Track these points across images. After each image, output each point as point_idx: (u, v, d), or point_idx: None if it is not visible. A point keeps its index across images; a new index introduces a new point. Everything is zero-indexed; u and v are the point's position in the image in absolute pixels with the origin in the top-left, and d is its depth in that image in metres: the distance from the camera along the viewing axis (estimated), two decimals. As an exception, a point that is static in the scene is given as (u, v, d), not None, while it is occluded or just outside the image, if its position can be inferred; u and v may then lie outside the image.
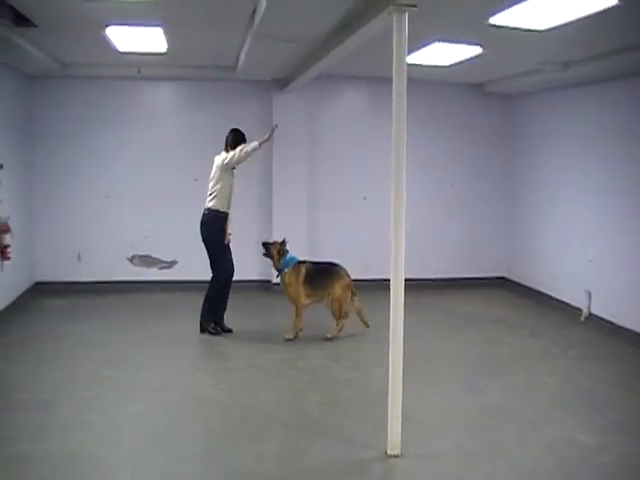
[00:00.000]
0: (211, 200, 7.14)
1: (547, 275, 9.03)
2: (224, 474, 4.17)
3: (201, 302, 7.29)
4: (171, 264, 9.58)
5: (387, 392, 4.42)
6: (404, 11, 4.20)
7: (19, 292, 8.44)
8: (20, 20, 5.94)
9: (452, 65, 7.72)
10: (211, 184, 7.17)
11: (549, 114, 9.01)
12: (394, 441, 4.36)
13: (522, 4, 4.81)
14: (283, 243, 7.25)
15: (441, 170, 10.02)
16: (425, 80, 8.96)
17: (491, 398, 5.52)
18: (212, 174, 7.18)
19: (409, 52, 4.55)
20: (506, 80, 8.91)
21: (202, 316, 7.27)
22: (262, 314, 8.36)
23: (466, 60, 7.32)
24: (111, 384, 5.65)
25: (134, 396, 5.40)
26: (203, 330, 7.23)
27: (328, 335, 7.15)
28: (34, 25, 6.11)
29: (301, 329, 7.16)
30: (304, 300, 7.13)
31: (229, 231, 7.26)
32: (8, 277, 7.79)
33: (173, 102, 9.71)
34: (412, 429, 4.60)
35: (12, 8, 5.69)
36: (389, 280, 4.39)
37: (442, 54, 7.17)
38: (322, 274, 7.24)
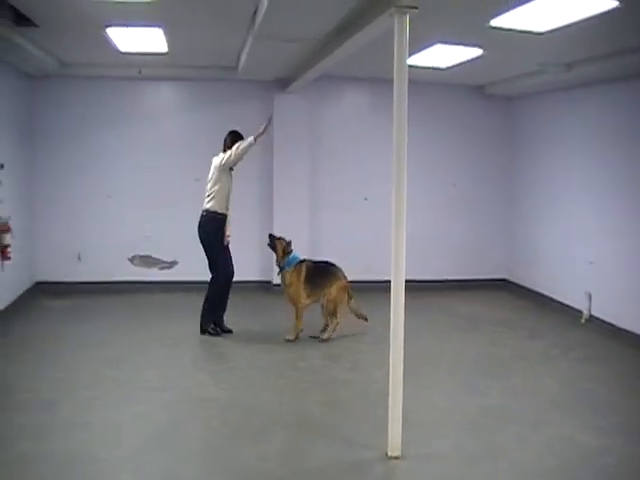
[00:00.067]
0: (209, 201, 7.14)
1: (548, 277, 9.03)
2: (225, 474, 4.17)
3: (201, 303, 7.29)
4: (172, 264, 9.58)
5: (387, 393, 4.42)
6: (405, 13, 4.20)
7: (20, 292, 8.44)
8: (21, 20, 5.95)
9: (453, 67, 7.72)
10: (209, 185, 7.17)
11: (550, 116, 9.01)
12: (395, 442, 4.36)
13: (523, 6, 4.82)
14: (289, 244, 7.24)
15: (442, 171, 10.03)
16: (426, 82, 8.97)
17: (492, 399, 5.52)
18: (210, 175, 7.18)
19: (410, 54, 4.55)
20: (507, 82, 8.92)
21: (202, 317, 7.27)
22: (262, 314, 8.36)
23: (467, 62, 7.32)
24: (112, 384, 5.65)
25: (135, 396, 5.40)
26: (203, 331, 7.23)
27: (323, 336, 7.14)
28: (35, 25, 6.12)
29: (302, 330, 7.16)
30: (304, 300, 7.13)
31: (228, 233, 7.24)
32: (9, 277, 7.79)
33: (174, 102, 9.72)
34: (412, 430, 4.60)
35: (13, 8, 5.70)
36: (390, 281, 4.39)
37: (443, 56, 7.17)
38: (321, 274, 7.24)
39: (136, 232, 9.43)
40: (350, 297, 7.26)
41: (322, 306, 7.22)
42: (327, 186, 9.75)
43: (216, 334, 7.20)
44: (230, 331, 7.30)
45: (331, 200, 9.73)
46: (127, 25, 6.17)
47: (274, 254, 7.35)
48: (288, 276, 7.17)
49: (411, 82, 4.30)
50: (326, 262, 7.39)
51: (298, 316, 7.13)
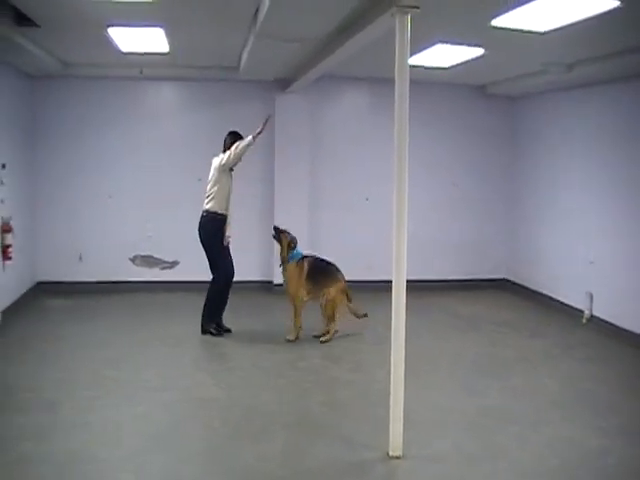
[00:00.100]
0: (209, 202, 7.13)
1: (549, 277, 9.03)
2: (225, 474, 4.17)
3: (202, 303, 7.29)
4: (173, 264, 9.59)
5: (388, 393, 4.42)
6: (407, 12, 4.20)
7: (21, 292, 8.44)
8: (22, 20, 5.95)
9: (454, 66, 7.72)
10: (209, 186, 7.16)
11: (551, 116, 9.01)
12: (396, 442, 4.36)
13: (524, 6, 4.81)
14: (293, 240, 7.25)
15: (444, 171, 10.02)
16: (427, 82, 8.96)
17: (492, 399, 5.52)
18: (210, 176, 7.18)
19: (411, 53, 4.54)
20: (508, 82, 8.92)
21: (203, 317, 7.27)
22: (263, 314, 8.35)
23: (468, 62, 7.31)
24: (112, 384, 5.65)
25: (135, 396, 5.40)
26: (205, 331, 7.23)
27: (322, 339, 7.13)
28: (36, 25, 6.12)
29: (301, 327, 7.15)
30: (303, 297, 7.12)
31: (228, 234, 7.23)
32: (10, 277, 7.80)
33: (175, 102, 9.72)
34: (413, 430, 4.60)
35: (14, 8, 5.69)
36: (391, 281, 4.39)
37: (444, 56, 7.17)
38: (322, 272, 7.23)
39: (137, 232, 9.44)
40: (349, 300, 7.24)
41: (321, 306, 7.21)
42: (328, 186, 9.74)
43: (217, 334, 7.20)
44: (229, 330, 7.30)
45: (332, 200, 9.73)
46: (128, 25, 6.17)
47: (278, 246, 7.33)
48: (290, 270, 7.17)
49: (412, 82, 4.30)
50: (328, 262, 7.38)
51: (297, 313, 7.13)
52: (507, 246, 10.17)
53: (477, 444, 4.65)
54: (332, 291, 7.11)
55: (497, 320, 8.26)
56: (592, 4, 4.72)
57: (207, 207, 7.14)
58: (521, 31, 5.58)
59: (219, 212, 7.13)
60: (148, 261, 9.54)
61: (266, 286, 9.56)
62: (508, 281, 10.14)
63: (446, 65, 7.72)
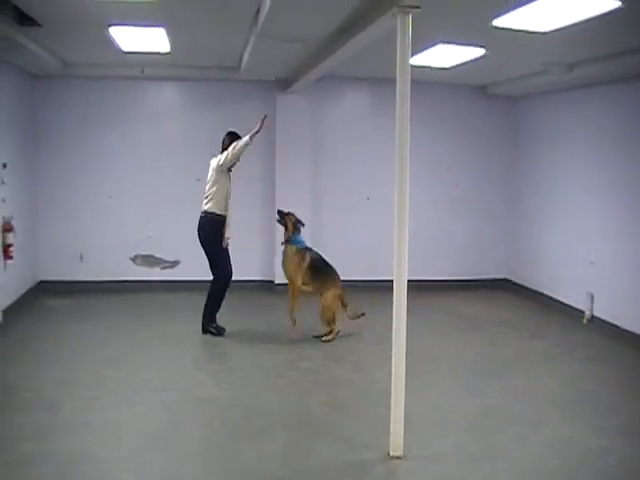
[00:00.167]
0: (207, 203, 7.13)
1: (550, 277, 9.02)
2: (225, 474, 4.17)
3: (203, 302, 7.29)
4: (174, 264, 9.59)
5: (389, 393, 4.42)
6: (408, 12, 4.20)
7: (22, 291, 8.44)
8: (24, 20, 5.95)
9: (455, 67, 7.71)
10: (207, 186, 7.17)
11: (552, 116, 9.00)
12: (396, 442, 4.36)
13: (525, 6, 4.81)
14: (299, 220, 7.30)
15: (445, 171, 10.02)
16: (428, 82, 8.95)
17: (492, 399, 5.52)
18: (208, 176, 7.18)
19: (412, 54, 4.54)
20: (509, 82, 8.91)
21: (204, 317, 7.27)
22: (264, 314, 8.35)
23: (469, 62, 7.31)
24: (112, 384, 5.65)
25: (135, 396, 5.40)
26: (205, 331, 7.23)
27: (324, 338, 7.12)
28: (38, 25, 6.12)
29: (294, 315, 7.16)
30: (300, 283, 7.13)
31: (227, 234, 7.23)
32: (11, 276, 7.80)
33: (176, 102, 9.72)
34: (414, 430, 4.60)
35: (16, 8, 5.70)
36: (392, 281, 4.39)
37: (445, 56, 7.17)
38: (322, 271, 7.22)
39: (138, 232, 9.44)
40: (345, 305, 7.19)
41: (319, 313, 7.19)
42: (329, 186, 9.74)
43: (218, 334, 7.20)
44: (223, 329, 7.28)
45: (333, 200, 9.73)
46: (130, 25, 6.17)
47: (284, 230, 7.36)
48: (291, 253, 7.18)
49: (413, 82, 4.30)
50: (328, 263, 7.37)
51: (293, 296, 7.14)
52: (508, 246, 10.17)
53: (477, 444, 4.65)
54: (329, 297, 7.08)
55: (498, 320, 8.25)
56: (593, 4, 4.71)
57: (206, 208, 7.14)
58: (522, 31, 5.57)
59: (218, 213, 7.13)
60: (149, 261, 9.55)
61: (267, 286, 9.56)
62: (509, 281, 10.14)
63: (447, 65, 7.72)
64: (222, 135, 7.28)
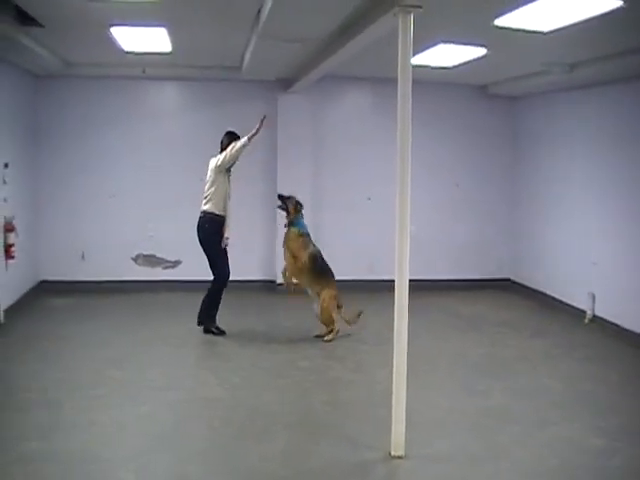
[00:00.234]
0: (206, 203, 7.14)
1: (551, 277, 9.02)
2: (228, 474, 4.17)
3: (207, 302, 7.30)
4: (175, 264, 9.60)
5: (390, 393, 4.42)
6: (409, 12, 4.20)
7: (24, 291, 8.46)
8: (26, 19, 5.96)
9: (456, 66, 7.71)
10: (206, 187, 7.18)
11: (553, 116, 9.00)
12: (398, 442, 4.36)
13: (527, 6, 4.81)
14: (299, 203, 7.29)
15: (446, 172, 10.02)
16: (429, 81, 8.95)
17: (494, 399, 5.52)
18: (207, 177, 7.18)
19: (414, 53, 4.54)
20: (510, 82, 8.91)
21: (204, 316, 7.26)
22: (265, 314, 8.36)
23: (471, 61, 7.31)
24: (115, 384, 5.66)
25: (138, 396, 5.41)
26: (207, 331, 7.24)
27: (326, 338, 7.11)
28: (39, 24, 6.12)
29: (293, 288, 7.20)
30: (300, 264, 7.09)
31: (226, 235, 7.24)
32: (12, 276, 7.80)
33: (177, 102, 9.73)
34: (415, 430, 4.60)
35: (17, 7, 5.70)
36: (393, 280, 4.39)
37: (447, 55, 7.16)
38: (322, 268, 7.19)
39: (139, 231, 9.45)
40: (339, 306, 7.17)
41: (316, 316, 7.19)
42: (330, 186, 9.75)
43: (219, 334, 7.20)
44: (223, 332, 7.30)
45: (334, 200, 9.73)
46: (131, 24, 6.18)
47: (285, 214, 7.36)
48: (294, 235, 7.16)
49: (414, 82, 4.30)
50: (326, 263, 7.33)
51: (290, 270, 7.15)
52: (509, 246, 10.16)
53: (479, 444, 4.66)
54: (325, 298, 7.06)
55: (499, 320, 8.25)
56: (595, 4, 4.71)
57: (205, 208, 7.15)
58: (524, 31, 5.57)
59: (217, 213, 7.13)
60: (150, 260, 9.56)
61: (268, 285, 9.56)
62: (510, 281, 10.14)
63: (448, 65, 7.72)
64: (222, 135, 7.28)
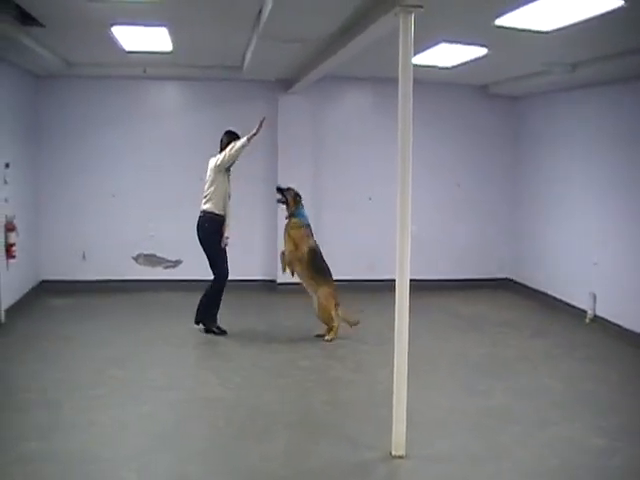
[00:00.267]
0: (206, 203, 7.15)
1: (552, 277, 9.02)
2: (229, 474, 4.17)
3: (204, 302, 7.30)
4: (176, 263, 9.60)
5: (391, 393, 4.42)
6: (410, 12, 4.19)
7: (24, 290, 8.46)
8: (26, 19, 5.96)
9: (457, 66, 7.71)
10: (206, 186, 7.18)
11: (554, 116, 9.00)
12: (399, 442, 4.36)
13: (528, 5, 4.81)
14: (298, 194, 7.29)
15: (447, 172, 10.01)
16: (430, 81, 8.94)
17: (495, 399, 5.51)
18: (207, 176, 7.19)
19: (415, 53, 4.54)
20: (511, 82, 8.91)
21: (201, 316, 7.26)
22: (266, 314, 8.36)
23: (472, 61, 7.31)
24: (116, 383, 5.66)
25: (139, 396, 5.41)
26: (207, 330, 7.24)
27: (327, 337, 7.10)
28: (40, 24, 6.12)
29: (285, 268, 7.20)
30: (305, 250, 7.07)
31: (226, 234, 7.24)
32: (13, 275, 7.81)
33: (178, 102, 9.73)
34: (416, 430, 4.59)
35: (18, 7, 5.70)
36: (394, 280, 4.39)
37: (448, 55, 7.16)
38: (319, 264, 7.15)
39: (140, 231, 9.45)
40: (336, 304, 7.14)
41: (316, 315, 7.18)
42: (331, 186, 9.74)
43: (220, 333, 7.21)
44: (224, 331, 7.30)
45: (335, 200, 9.72)
46: (132, 24, 6.18)
47: (285, 207, 7.36)
48: (297, 225, 7.16)
49: (415, 82, 4.30)
50: (324, 260, 7.30)
51: (288, 259, 7.12)
52: (510, 246, 10.16)
53: (479, 444, 4.66)
54: (321, 296, 7.05)
55: (500, 320, 8.25)
56: (597, 3, 4.71)
57: (204, 208, 7.16)
58: (525, 31, 5.57)
59: (216, 212, 7.14)
60: (151, 260, 9.56)
61: (269, 285, 9.56)
62: (511, 281, 10.13)
63: (449, 65, 7.72)
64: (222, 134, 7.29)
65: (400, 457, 4.34)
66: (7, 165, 7.64)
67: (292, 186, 7.41)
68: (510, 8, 4.96)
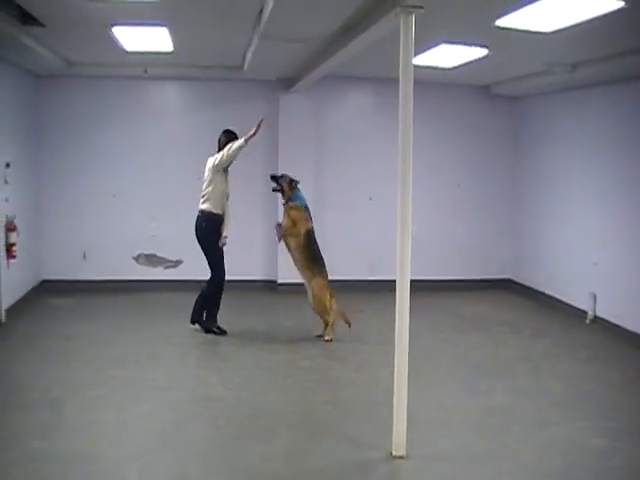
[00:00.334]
0: (204, 202, 7.15)
1: (552, 277, 9.02)
2: (230, 473, 4.18)
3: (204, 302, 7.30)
4: (176, 263, 9.60)
5: (392, 393, 4.42)
6: (411, 12, 4.20)
7: (25, 290, 8.46)
8: (27, 19, 5.97)
9: (458, 67, 7.71)
10: (204, 186, 7.19)
11: (554, 116, 9.00)
12: (399, 442, 4.36)
13: (529, 6, 4.81)
14: (293, 179, 7.26)
15: (447, 172, 10.01)
16: (431, 82, 8.94)
17: (495, 399, 5.52)
18: (205, 176, 7.19)
19: (415, 53, 4.55)
20: (512, 82, 8.91)
21: (197, 316, 7.27)
22: (266, 314, 8.36)
23: (472, 62, 7.31)
24: (117, 383, 5.66)
25: (140, 395, 5.41)
26: (208, 330, 7.24)
27: (326, 338, 7.10)
28: (41, 24, 6.13)
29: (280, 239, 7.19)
30: (303, 231, 7.05)
31: (225, 234, 7.24)
32: (14, 275, 7.81)
33: (179, 102, 9.74)
34: (417, 430, 4.60)
35: (19, 7, 5.71)
36: (394, 280, 4.39)
37: (448, 56, 7.16)
38: (314, 251, 7.11)
39: (141, 231, 9.45)
40: (331, 296, 7.09)
41: (312, 308, 7.17)
42: (332, 186, 9.74)
43: (221, 333, 7.21)
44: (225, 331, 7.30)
45: (336, 200, 9.72)
46: (133, 24, 6.18)
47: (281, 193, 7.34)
48: (296, 207, 7.14)
49: (416, 82, 4.30)
50: (320, 251, 7.26)
51: (285, 232, 7.11)
52: (510, 246, 10.16)
53: (480, 444, 4.66)
54: (315, 286, 7.02)
55: (501, 320, 8.25)
56: (597, 4, 4.71)
57: (202, 207, 7.16)
58: (525, 31, 5.58)
59: (214, 212, 7.14)
60: (152, 260, 9.56)
61: (270, 285, 9.57)
62: (511, 281, 10.13)
63: (450, 65, 7.72)
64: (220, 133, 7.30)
65: (401, 457, 4.34)
66: (8, 165, 7.64)
67: (286, 173, 7.36)
68: (511, 9, 4.97)
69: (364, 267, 9.55)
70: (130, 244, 9.46)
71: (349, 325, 7.16)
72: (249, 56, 7.30)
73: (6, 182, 7.61)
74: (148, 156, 9.43)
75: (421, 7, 4.18)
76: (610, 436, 4.76)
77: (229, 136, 7.16)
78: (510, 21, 5.30)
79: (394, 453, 4.36)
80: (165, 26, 6.29)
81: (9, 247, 7.60)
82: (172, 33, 6.58)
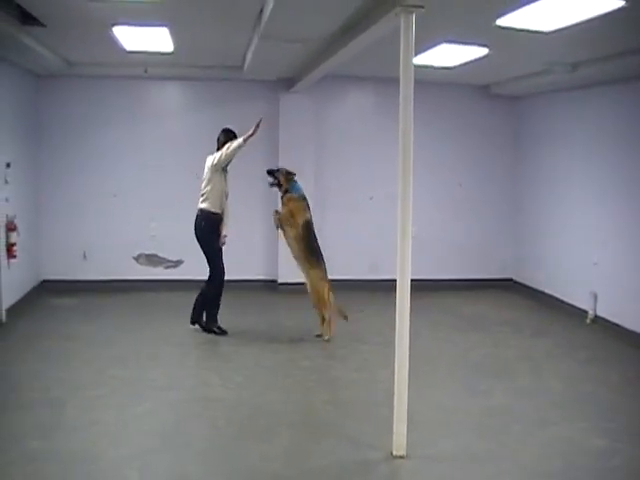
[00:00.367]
0: (203, 201, 7.15)
1: (553, 277, 9.02)
2: (230, 473, 4.18)
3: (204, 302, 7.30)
4: (177, 263, 9.60)
5: (392, 393, 4.42)
6: (411, 12, 4.20)
7: (25, 290, 8.47)
8: (27, 19, 5.96)
9: (458, 66, 7.71)
10: (203, 185, 7.19)
11: (555, 116, 9.00)
12: (400, 442, 4.36)
13: (529, 6, 4.81)
14: (290, 172, 7.24)
15: (448, 171, 10.01)
16: (431, 81, 8.95)
17: (496, 399, 5.52)
18: (204, 175, 7.19)
19: (416, 53, 4.54)
20: (512, 82, 8.91)
21: (197, 316, 7.27)
22: (267, 314, 8.36)
23: (473, 61, 7.31)
24: (117, 383, 5.66)
25: (140, 395, 5.41)
26: (209, 330, 7.24)
27: (326, 337, 7.10)
28: (41, 24, 6.13)
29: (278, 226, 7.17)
30: (300, 222, 7.04)
31: (224, 233, 7.24)
32: (14, 275, 7.81)
33: (179, 102, 9.73)
34: (417, 430, 4.60)
35: (19, 7, 5.71)
36: (395, 280, 4.39)
37: (449, 55, 7.16)
38: (313, 243, 7.10)
39: (141, 231, 9.46)
40: (329, 289, 7.07)
41: (311, 303, 7.16)
42: (332, 186, 9.74)
43: (221, 333, 7.21)
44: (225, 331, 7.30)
45: (336, 200, 9.72)
46: (133, 24, 6.18)
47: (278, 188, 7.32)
48: (294, 199, 7.12)
49: (416, 82, 4.30)
50: (318, 243, 7.26)
51: (282, 219, 7.11)
52: (512, 246, 10.16)
53: (481, 444, 4.66)
54: (313, 278, 7.01)
55: (501, 320, 8.25)
56: (597, 4, 4.71)
57: (202, 206, 7.16)
58: (526, 31, 5.57)
59: (213, 211, 7.14)
60: (152, 260, 9.56)
61: (270, 285, 9.57)
62: (512, 281, 10.13)
63: (450, 65, 7.72)
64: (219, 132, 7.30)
65: (401, 457, 4.34)
66: (8, 165, 7.64)
67: (282, 166, 7.35)
68: (511, 8, 4.96)
69: (364, 267, 9.55)
70: (130, 244, 9.46)
71: (346, 319, 7.16)
72: (249, 56, 7.30)
73: (6, 182, 7.61)
74: (148, 156, 9.43)
75: (421, 7, 4.18)
76: (610, 437, 4.75)
77: (228, 135, 7.16)
78: (510, 21, 5.29)
79: (394, 453, 4.37)
80: (165, 26, 6.29)
81: (9, 247, 7.60)
82: (172, 33, 6.58)
